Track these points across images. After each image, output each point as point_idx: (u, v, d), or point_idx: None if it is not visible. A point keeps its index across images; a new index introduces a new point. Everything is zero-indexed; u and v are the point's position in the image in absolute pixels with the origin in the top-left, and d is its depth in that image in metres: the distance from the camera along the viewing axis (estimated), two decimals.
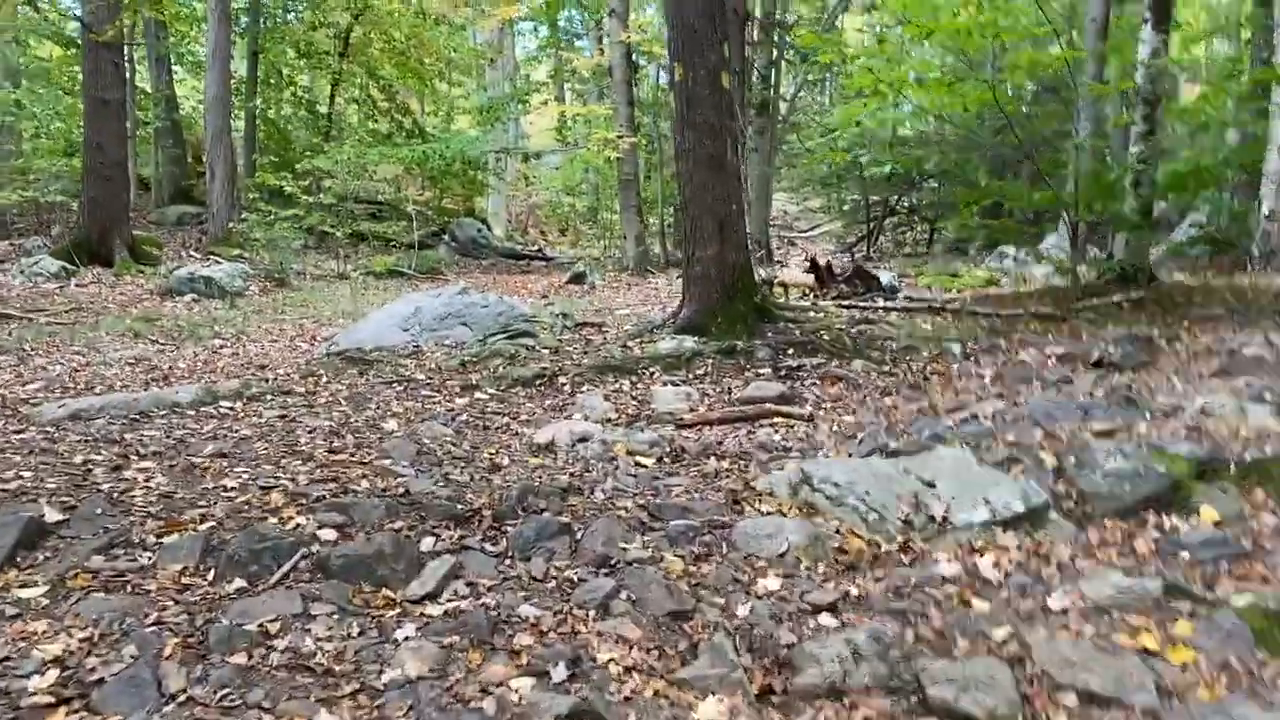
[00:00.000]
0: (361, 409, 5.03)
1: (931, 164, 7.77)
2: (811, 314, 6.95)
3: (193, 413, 4.90)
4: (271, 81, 22.14)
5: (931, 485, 3.27)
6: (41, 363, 7.07)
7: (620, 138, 15.13)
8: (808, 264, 8.65)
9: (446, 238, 21.44)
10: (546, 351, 6.25)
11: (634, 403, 5.12)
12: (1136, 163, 8.26)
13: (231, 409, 4.99)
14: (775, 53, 16.73)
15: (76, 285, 12.43)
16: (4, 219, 15.78)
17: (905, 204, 25.74)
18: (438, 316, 7.21)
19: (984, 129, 12.01)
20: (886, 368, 5.76)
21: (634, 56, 16.68)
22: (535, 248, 24.59)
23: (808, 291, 8.68)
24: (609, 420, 4.76)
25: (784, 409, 4.76)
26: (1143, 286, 8.33)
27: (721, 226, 6.24)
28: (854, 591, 2.78)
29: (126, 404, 4.91)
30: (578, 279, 14.28)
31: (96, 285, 12.55)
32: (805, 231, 27.11)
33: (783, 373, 5.60)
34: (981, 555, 2.98)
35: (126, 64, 16.93)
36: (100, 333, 9.08)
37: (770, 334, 6.21)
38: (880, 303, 7.71)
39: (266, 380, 5.85)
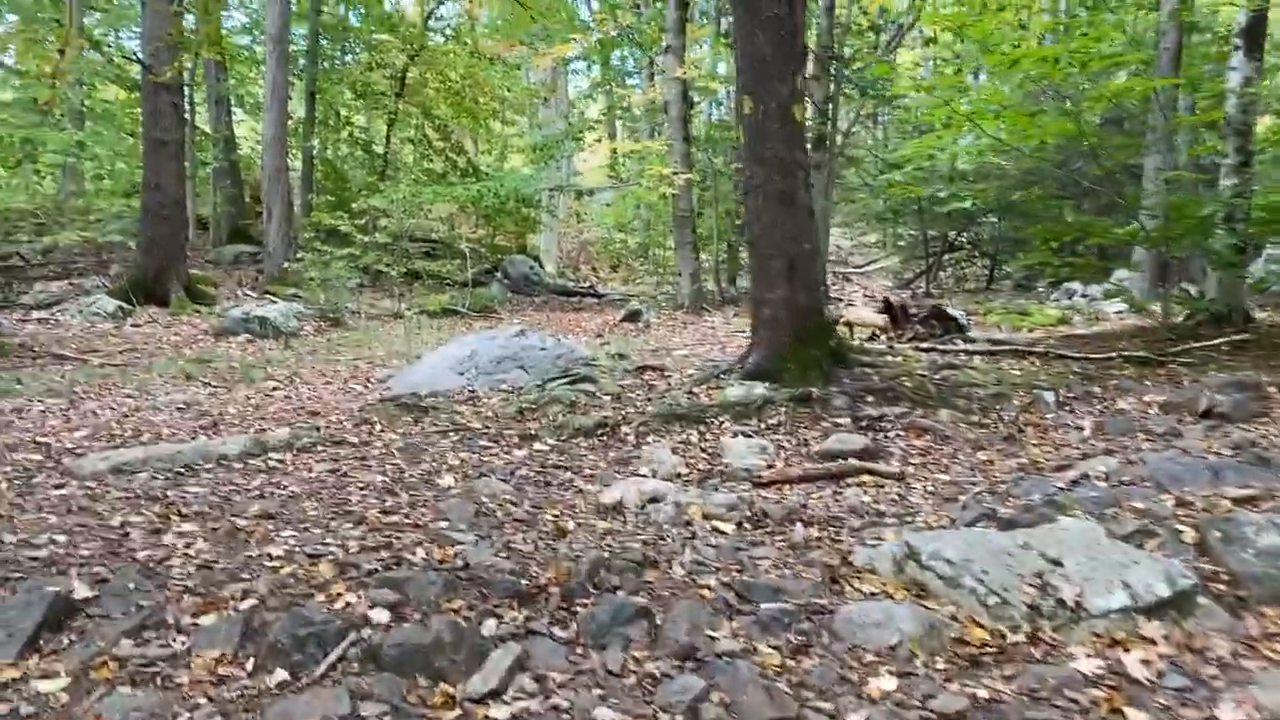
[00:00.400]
0: (416, 461, 4.75)
1: (993, 198, 7.41)
2: (889, 358, 6.55)
3: (240, 465, 4.64)
4: (329, 122, 22.35)
5: (1058, 564, 2.87)
6: (92, 406, 6.91)
7: (676, 174, 14.88)
8: (881, 304, 8.24)
9: (499, 275, 21.34)
10: (608, 398, 5.92)
11: (704, 456, 4.77)
12: (1230, 196, 7.78)
13: (280, 462, 4.73)
14: (833, 86, 16.41)
15: (132, 325, 12.41)
16: (65, 259, 15.93)
17: (965, 239, 25.21)
18: (494, 360, 6.94)
19: (1050, 162, 11.49)
20: (975, 417, 5.35)
21: (689, 92, 16.47)
22: (587, 284, 24.42)
23: (878, 333, 8.28)
24: (679, 476, 4.42)
25: (871, 466, 4.38)
26: (1240, 328, 7.82)
27: (792, 266, 5.90)
28: (983, 694, 2.39)
29: (171, 456, 4.67)
30: (632, 317, 14.00)
31: (152, 325, 12.52)
32: (861, 267, 26.65)
33: (863, 423, 5.22)
34: (1126, 650, 2.57)
35: (186, 105, 17.13)
36: (153, 375, 8.95)
37: (847, 380, 5.82)
38: (961, 345, 7.28)
39: (318, 429, 5.59)
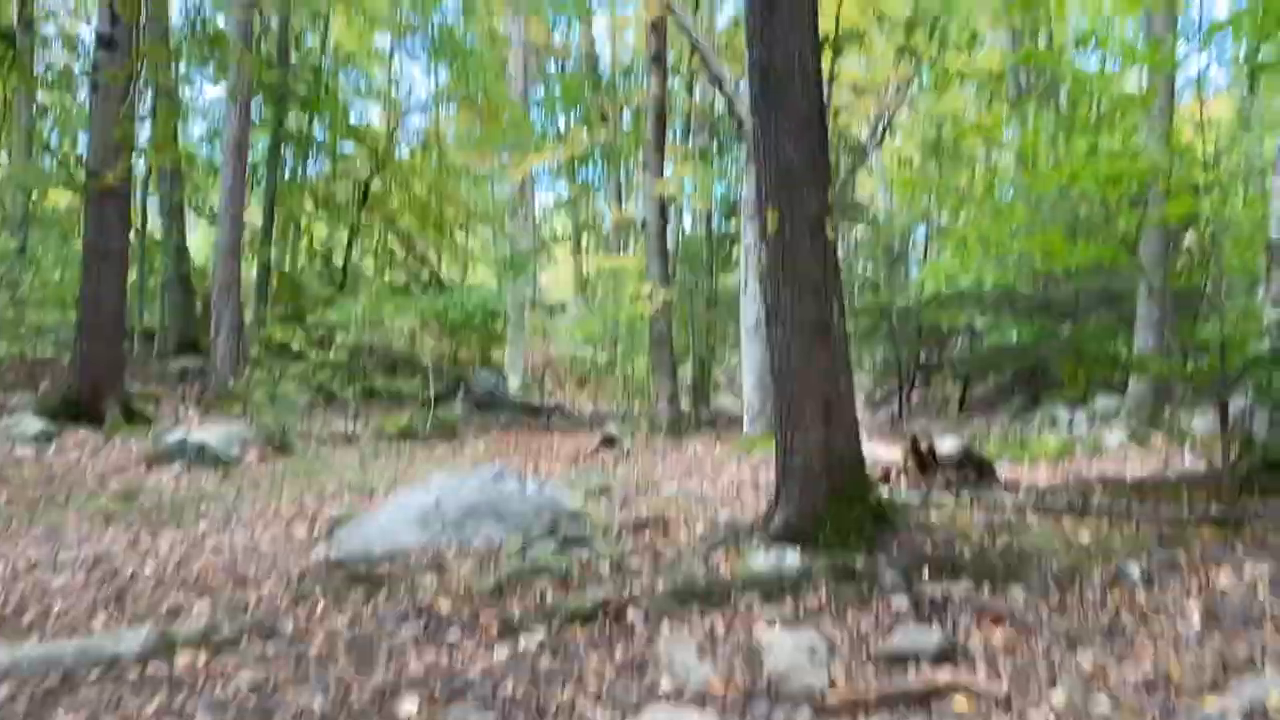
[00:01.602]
0: (368, 667, 3.67)
1: (965, 319, 6.85)
2: (934, 516, 5.62)
3: (134, 676, 3.54)
4: (287, 233, 21.56)
5: None
6: None
7: (654, 293, 14.16)
8: (908, 444, 7.34)
9: (462, 391, 20.37)
10: (605, 566, 4.90)
11: (740, 660, 3.75)
12: (1275, 328, 7.08)
13: (190, 670, 3.63)
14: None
15: (56, 451, 11.20)
16: None
17: (936, 360, 24.76)
18: (464, 509, 5.89)
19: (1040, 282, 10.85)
20: (1055, 598, 4.40)
21: (667, 209, 15.91)
22: (554, 401, 23.51)
23: (897, 474, 7.36)
24: (713, 697, 3.39)
25: (963, 680, 3.39)
26: None
27: (827, 408, 5.00)
28: None
29: (45, 659, 3.57)
30: (609, 443, 13.02)
31: (78, 450, 11.30)
32: None
33: (926, 607, 4.24)
34: None
35: (138, 213, 16.27)
36: (68, 514, 7.79)
37: (894, 545, 4.87)
38: (1006, 498, 6.37)
39: (246, 607, 4.51)
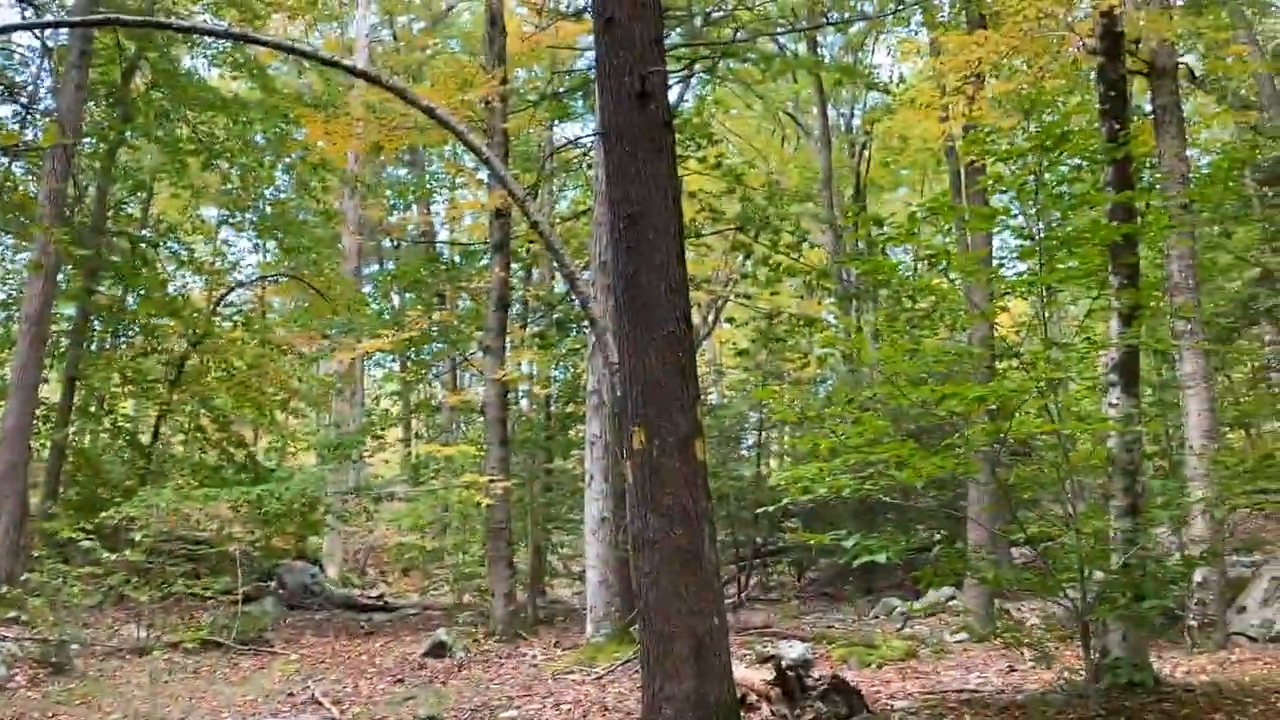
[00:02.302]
0: None
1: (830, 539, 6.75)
2: None
3: None
4: (89, 409, 19.80)
5: None
6: None
7: (493, 481, 13.50)
8: (771, 671, 6.86)
9: (274, 584, 18.74)
10: None
11: None
12: (1124, 542, 7.15)
13: None
14: None
15: None
16: None
17: (772, 546, 24.78)
18: None
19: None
20: None
21: (508, 394, 15.46)
22: (377, 594, 21.97)
23: (757, 698, 6.85)
24: None
25: None
26: (1157, 694, 6.95)
27: (699, 649, 4.52)
28: None
29: None
30: (439, 651, 11.96)
31: None
32: None
33: None
34: None
35: None
36: None
37: None
38: None
39: None
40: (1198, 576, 10.89)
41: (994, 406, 7.21)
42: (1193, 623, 11.05)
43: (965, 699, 7.73)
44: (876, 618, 17.29)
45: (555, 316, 20.29)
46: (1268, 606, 11.50)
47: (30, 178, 18.83)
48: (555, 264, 11.53)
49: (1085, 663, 6.68)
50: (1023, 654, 10.60)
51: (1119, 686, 7.01)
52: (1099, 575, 6.88)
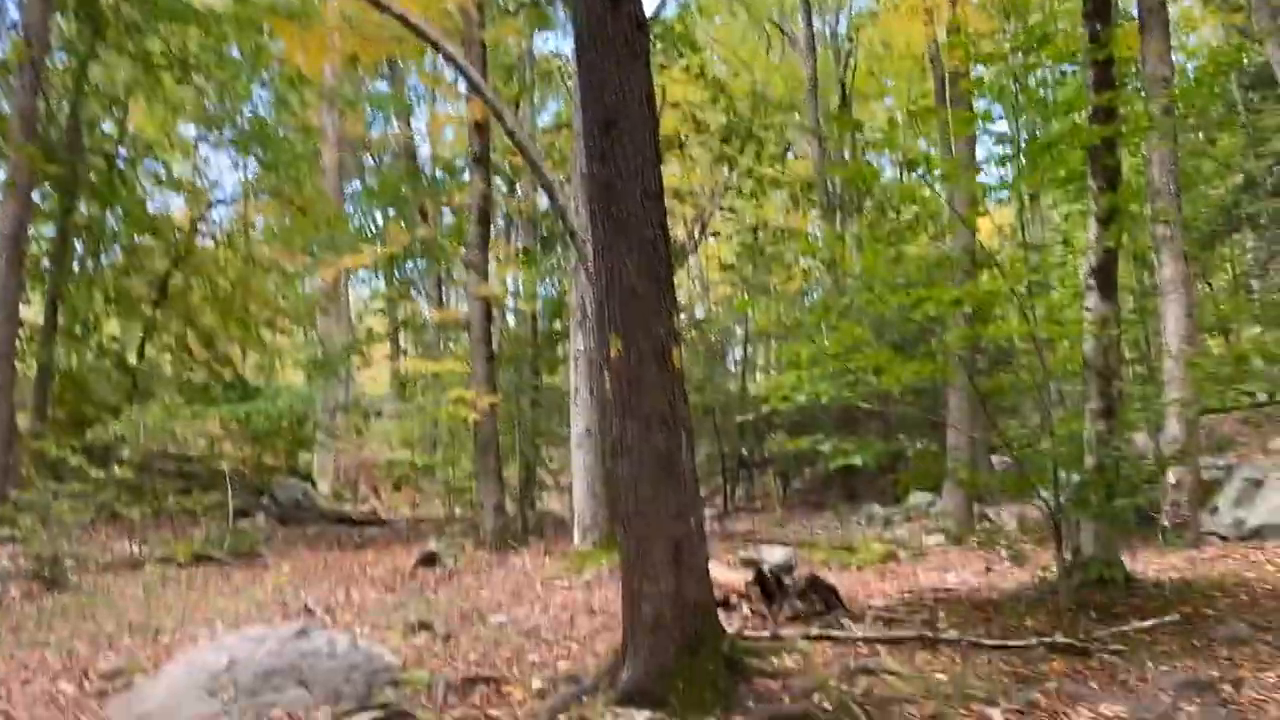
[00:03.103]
0: None
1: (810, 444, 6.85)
2: (788, 660, 5.30)
3: None
4: (74, 330, 19.71)
5: None
6: None
7: (479, 396, 13.60)
8: (751, 572, 7.04)
9: (266, 500, 18.96)
10: None
11: None
12: (1098, 444, 7.29)
13: None
14: None
15: None
16: None
17: (755, 457, 25.17)
18: (262, 674, 5.14)
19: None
20: None
21: (492, 310, 15.47)
22: (369, 509, 22.27)
23: (737, 599, 7.05)
24: None
25: None
26: (1125, 589, 7.17)
27: (677, 551, 4.63)
28: None
29: None
30: (429, 560, 12.20)
31: None
32: None
33: None
34: None
35: None
36: None
37: (751, 701, 4.50)
38: (856, 629, 6.13)
39: None
40: (1171, 478, 11.13)
41: (970, 311, 7.28)
42: (1166, 523, 11.32)
43: (940, 597, 7.96)
44: (858, 524, 17.65)
45: (539, 232, 20.21)
46: (1239, 507, 11.79)
47: None
48: (535, 177, 11.43)
49: (1057, 560, 6.86)
50: (999, 555, 10.90)
51: (1090, 583, 7.22)
52: (1075, 478, 7.02)
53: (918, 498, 17.86)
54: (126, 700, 5.25)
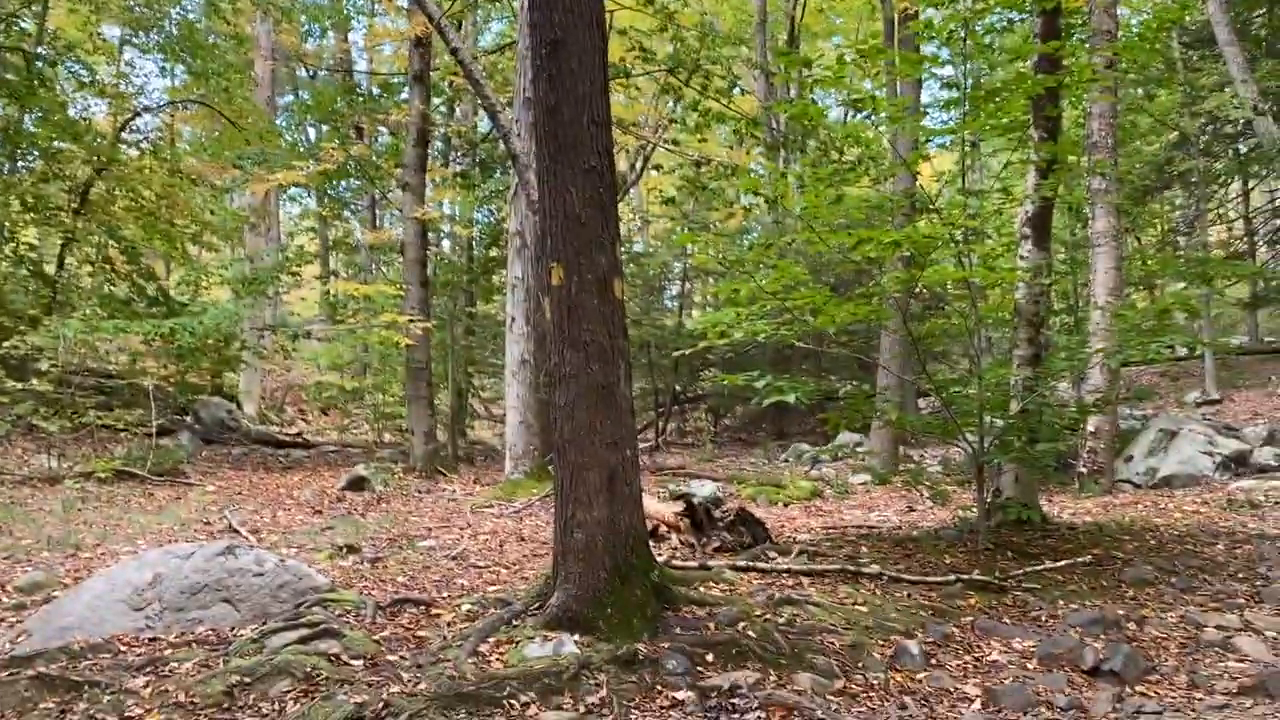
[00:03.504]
0: None
1: (744, 381, 6.82)
2: (715, 589, 5.38)
3: None
4: None
5: None
6: None
7: (412, 321, 13.40)
8: (681, 504, 7.11)
9: (190, 419, 18.60)
10: (359, 664, 4.30)
11: None
12: (1024, 390, 7.47)
13: None
14: None
15: None
16: None
17: (689, 392, 25.38)
18: (188, 590, 5.07)
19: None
20: (840, 683, 4.25)
21: (428, 234, 15.19)
22: (296, 432, 21.99)
23: (667, 530, 7.14)
24: None
25: None
26: (1041, 530, 7.42)
27: (611, 480, 4.64)
28: None
29: None
30: (357, 484, 12.12)
31: None
32: None
33: (712, 702, 3.96)
34: None
35: None
36: None
37: (678, 629, 4.57)
38: (781, 562, 6.24)
39: None
40: (1090, 426, 11.48)
41: (908, 254, 7.34)
42: (1083, 470, 11.71)
43: (864, 534, 8.15)
44: (787, 461, 17.96)
45: (478, 156, 19.80)
46: (1152, 456, 12.23)
47: None
48: (476, 96, 11.15)
49: (978, 502, 7.05)
50: (921, 494, 11.20)
51: (1009, 524, 7.46)
52: (999, 423, 7.20)
53: (845, 438, 18.19)
54: (46, 613, 5.14)
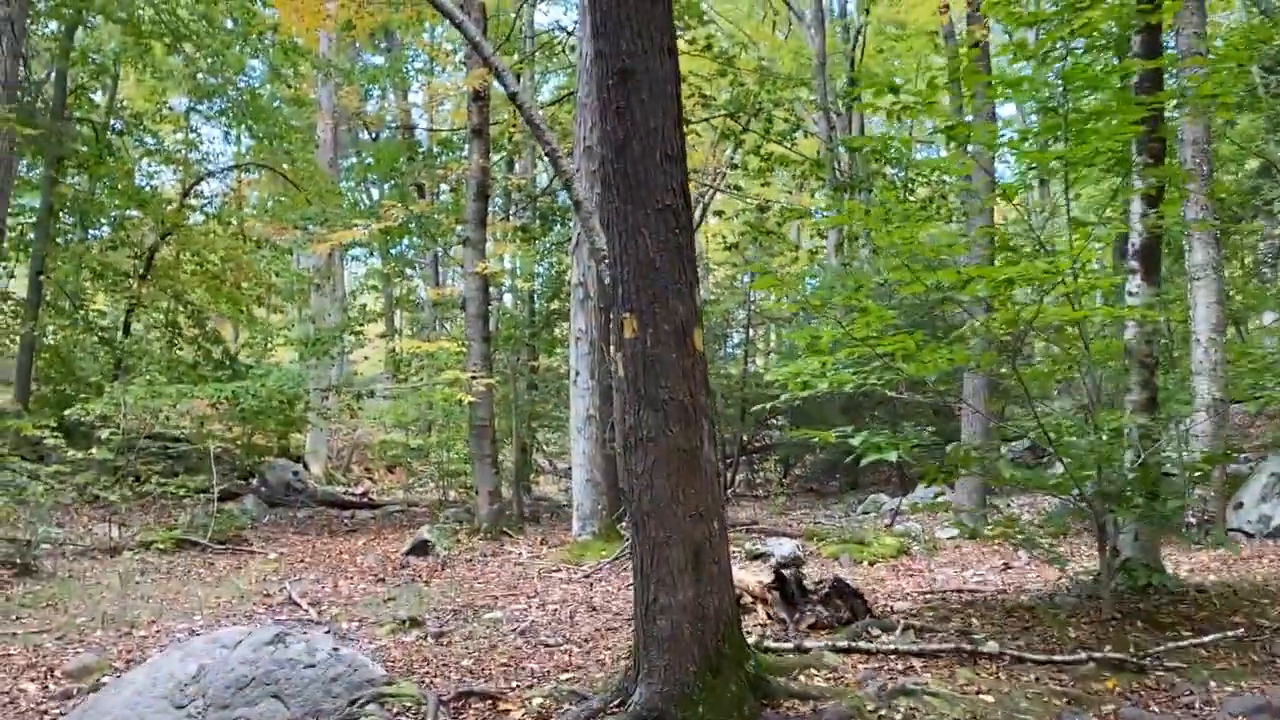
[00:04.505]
0: None
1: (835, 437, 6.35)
2: (817, 678, 4.78)
3: None
4: (59, 305, 19.11)
5: None
6: None
7: (475, 378, 13.05)
8: (769, 572, 6.52)
9: (255, 482, 18.45)
10: None
11: None
12: (1140, 438, 6.77)
13: None
14: None
15: None
16: None
17: (758, 443, 24.71)
18: (234, 684, 4.62)
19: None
20: None
21: (489, 289, 14.91)
22: (361, 491, 21.75)
23: (752, 600, 6.53)
24: None
25: None
26: (1164, 594, 6.67)
27: (698, 557, 4.11)
28: None
29: None
30: (421, 549, 11.69)
31: None
32: None
33: None
34: None
35: None
36: None
37: None
38: (887, 642, 5.60)
39: None
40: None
41: (991, 296, 6.75)
42: (1192, 519, 10.85)
43: (967, 600, 7.45)
44: (865, 514, 17.17)
45: (538, 209, 19.61)
46: (1265, 503, 11.30)
47: None
48: (537, 141, 10.83)
49: (1101, 564, 6.34)
50: (1016, 553, 10.42)
51: (1132, 588, 6.72)
52: (1118, 475, 6.50)
53: (926, 489, 17.37)
54: (82, 713, 4.73)
